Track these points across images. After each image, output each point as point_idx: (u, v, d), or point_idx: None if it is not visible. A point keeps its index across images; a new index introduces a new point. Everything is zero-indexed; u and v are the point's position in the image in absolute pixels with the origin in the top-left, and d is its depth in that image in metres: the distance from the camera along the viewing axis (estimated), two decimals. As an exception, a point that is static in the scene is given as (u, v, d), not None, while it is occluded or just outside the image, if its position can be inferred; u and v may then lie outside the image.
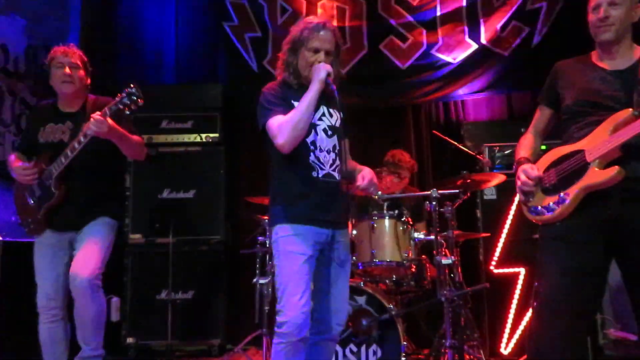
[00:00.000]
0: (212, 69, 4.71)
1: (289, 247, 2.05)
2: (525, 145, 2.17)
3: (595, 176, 1.86)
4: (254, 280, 3.40)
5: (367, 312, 2.91)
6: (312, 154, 2.11)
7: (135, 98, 2.39)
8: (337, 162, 2.15)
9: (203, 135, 4.19)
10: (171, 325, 3.84)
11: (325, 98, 2.16)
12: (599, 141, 1.88)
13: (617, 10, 1.97)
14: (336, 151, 2.15)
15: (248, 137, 4.49)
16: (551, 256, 1.95)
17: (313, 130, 2.13)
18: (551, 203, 1.94)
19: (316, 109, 2.13)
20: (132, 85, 2.41)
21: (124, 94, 2.40)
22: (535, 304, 1.98)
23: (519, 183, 2.04)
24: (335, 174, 2.15)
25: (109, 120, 2.42)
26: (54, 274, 2.60)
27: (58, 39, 4.52)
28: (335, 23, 4.56)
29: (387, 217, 3.05)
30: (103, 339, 2.63)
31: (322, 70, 2.08)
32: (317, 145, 2.12)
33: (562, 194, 1.92)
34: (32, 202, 2.64)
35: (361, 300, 2.94)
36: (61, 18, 4.52)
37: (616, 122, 1.87)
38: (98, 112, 2.42)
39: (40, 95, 4.30)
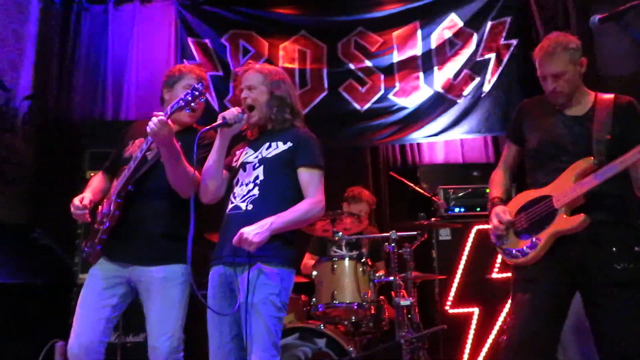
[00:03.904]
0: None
1: None
2: (497, 182, 2.34)
3: (564, 223, 2.01)
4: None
5: (327, 354, 2.89)
6: (232, 192, 2.17)
7: (197, 94, 2.07)
8: (255, 193, 2.08)
9: (162, 173, 4.13)
10: (121, 371, 3.67)
11: (271, 131, 2.21)
12: (564, 188, 2.04)
13: (563, 80, 2.11)
14: (257, 182, 2.10)
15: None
16: (523, 296, 2.08)
17: (241, 168, 2.18)
18: (525, 247, 2.09)
19: (260, 144, 2.19)
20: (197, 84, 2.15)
21: (187, 91, 2.10)
22: (504, 339, 2.12)
23: (492, 226, 2.19)
24: (244, 204, 2.08)
25: (171, 123, 2.09)
26: (95, 317, 2.19)
27: (11, 71, 4.43)
28: (297, 65, 4.72)
29: (347, 258, 3.07)
30: None
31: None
32: (240, 181, 2.15)
33: (534, 239, 2.06)
34: (96, 221, 2.29)
35: (321, 343, 2.93)
36: (16, 50, 4.42)
37: (579, 169, 2.03)
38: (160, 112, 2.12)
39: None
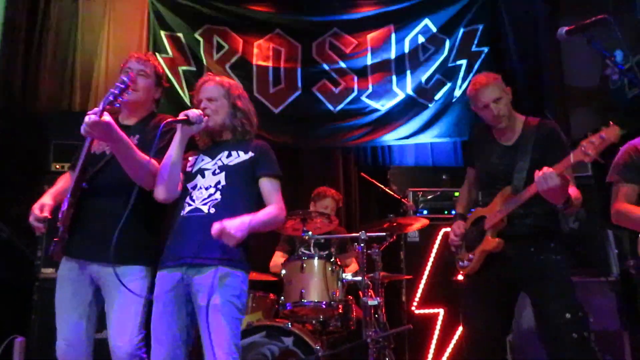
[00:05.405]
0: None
1: None
2: (461, 199, 2.72)
3: (488, 244, 2.39)
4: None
5: (294, 353, 2.89)
6: (188, 196, 2.16)
7: (123, 87, 2.06)
8: (217, 197, 2.12)
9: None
10: (82, 368, 3.59)
11: (228, 142, 2.26)
12: (493, 212, 2.40)
13: (502, 104, 2.41)
14: (219, 187, 2.14)
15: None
16: (469, 300, 2.51)
17: (199, 174, 2.19)
18: (466, 260, 2.50)
19: (217, 152, 2.23)
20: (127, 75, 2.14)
21: (117, 84, 2.06)
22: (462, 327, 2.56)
23: (450, 239, 2.59)
24: (205, 207, 2.10)
25: (106, 118, 2.00)
26: (75, 316, 2.19)
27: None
28: (271, 64, 4.71)
29: (316, 258, 3.08)
30: None
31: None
32: (199, 186, 2.16)
33: (470, 255, 2.46)
34: (58, 219, 2.21)
35: (288, 341, 2.93)
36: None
37: (504, 196, 2.38)
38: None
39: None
